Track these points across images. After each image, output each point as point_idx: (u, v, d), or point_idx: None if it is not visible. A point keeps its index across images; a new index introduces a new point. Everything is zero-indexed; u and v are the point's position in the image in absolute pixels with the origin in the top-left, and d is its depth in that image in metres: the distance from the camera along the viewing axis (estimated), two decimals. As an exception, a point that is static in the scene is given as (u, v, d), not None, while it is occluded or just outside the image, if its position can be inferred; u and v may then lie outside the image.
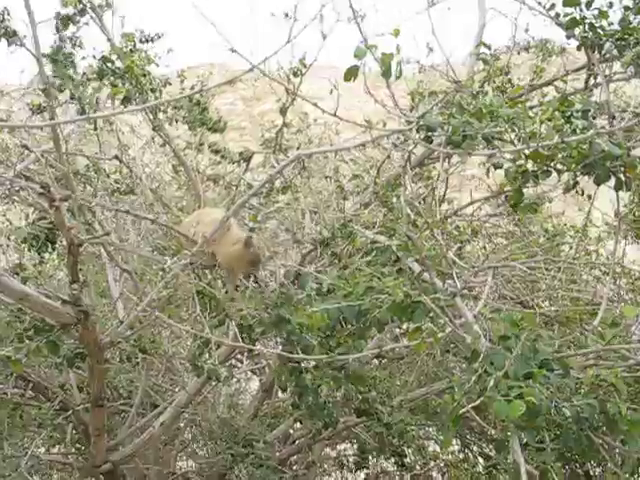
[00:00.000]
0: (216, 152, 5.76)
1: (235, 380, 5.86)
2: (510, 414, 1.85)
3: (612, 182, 2.76)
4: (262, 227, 4.02)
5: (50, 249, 4.88)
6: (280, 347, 3.94)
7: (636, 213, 5.84)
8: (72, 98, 3.32)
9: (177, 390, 5.04)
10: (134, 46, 3.84)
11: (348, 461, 6.25)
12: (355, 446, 6.33)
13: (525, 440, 2.18)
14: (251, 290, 3.49)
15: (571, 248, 5.17)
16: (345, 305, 2.26)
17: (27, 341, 2.90)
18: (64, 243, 4.65)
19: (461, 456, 6.78)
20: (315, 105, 2.26)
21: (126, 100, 3.42)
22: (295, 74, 3.55)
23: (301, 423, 4.66)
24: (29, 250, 4.93)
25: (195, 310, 3.09)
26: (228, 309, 3.35)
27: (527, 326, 2.10)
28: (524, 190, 4.76)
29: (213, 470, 4.98)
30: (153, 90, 3.56)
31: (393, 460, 5.70)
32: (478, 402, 1.95)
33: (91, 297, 5.19)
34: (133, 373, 4.84)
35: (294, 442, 5.46)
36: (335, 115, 2.23)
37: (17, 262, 3.42)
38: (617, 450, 2.55)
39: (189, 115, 5.36)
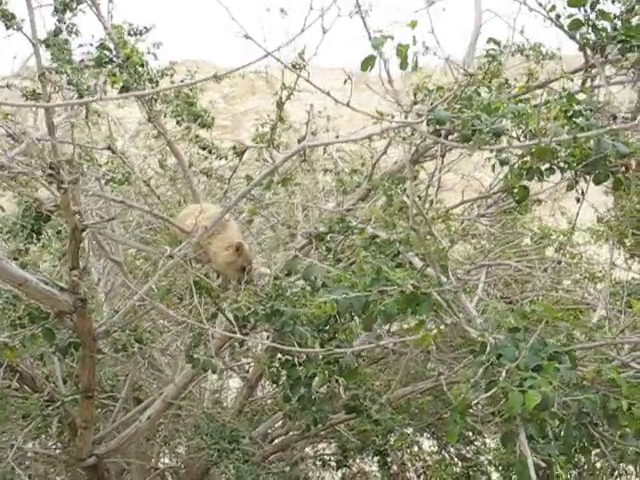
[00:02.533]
0: (203, 148, 5.71)
1: (217, 377, 5.81)
2: (526, 405, 1.85)
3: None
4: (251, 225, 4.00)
5: (35, 240, 4.81)
6: (269, 340, 3.93)
7: (619, 218, 5.91)
8: (69, 84, 3.26)
9: (160, 385, 4.99)
10: (121, 39, 3.79)
11: (330, 459, 6.22)
12: (333, 444, 6.32)
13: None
14: (244, 283, 3.47)
15: (556, 251, 5.21)
16: (353, 296, 2.24)
17: (21, 329, 2.86)
18: (49, 234, 4.60)
19: (438, 457, 6.77)
20: (328, 94, 2.25)
21: (124, 89, 3.37)
22: (295, 67, 3.53)
23: (290, 419, 4.62)
24: (14, 240, 4.85)
25: (191, 301, 3.07)
26: (221, 301, 3.33)
27: (537, 319, 2.10)
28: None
29: (196, 466, 4.95)
30: (151, 80, 3.52)
31: (376, 459, 5.69)
32: (490, 393, 1.94)
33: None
34: (117, 366, 4.78)
35: (272, 440, 5.43)
36: (348, 105, 2.22)
37: (17, 247, 3.36)
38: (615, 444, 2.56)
39: (179, 108, 5.31)
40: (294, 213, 3.70)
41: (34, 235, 4.80)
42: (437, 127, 2.38)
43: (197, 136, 4.87)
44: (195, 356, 3.02)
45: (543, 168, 2.51)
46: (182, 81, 5.52)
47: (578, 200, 4.60)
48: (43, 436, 4.42)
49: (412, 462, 6.99)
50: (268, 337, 3.60)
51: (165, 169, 5.91)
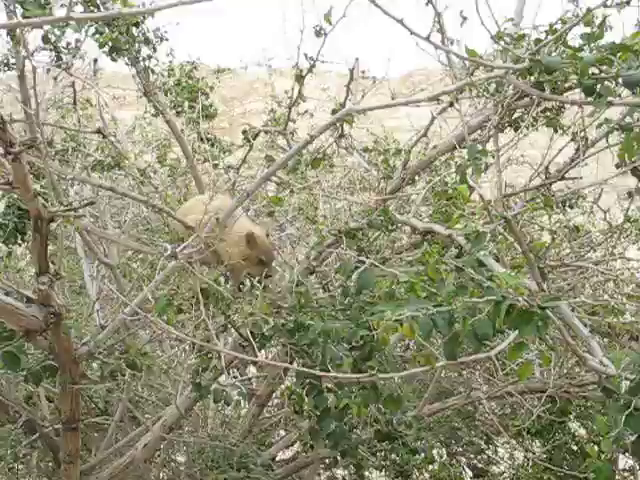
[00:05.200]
0: (206, 140, 5.04)
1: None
2: None
3: None
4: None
5: (20, 240, 4.13)
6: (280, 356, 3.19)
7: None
8: (45, 42, 2.50)
9: (159, 400, 4.23)
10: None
11: (344, 479, 5.46)
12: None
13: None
14: (260, 290, 2.72)
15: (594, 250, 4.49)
16: (435, 311, 1.47)
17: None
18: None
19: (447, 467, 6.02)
20: (400, 22, 1.49)
21: (114, 50, 2.61)
22: (318, 33, 2.77)
23: (312, 448, 3.85)
24: (-6, 241, 4.12)
25: (196, 313, 2.31)
26: (232, 312, 2.56)
27: None
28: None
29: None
30: (147, 42, 2.76)
31: (398, 480, 4.93)
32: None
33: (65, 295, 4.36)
34: (111, 382, 4.00)
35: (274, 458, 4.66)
36: (428, 39, 1.46)
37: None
38: None
39: (179, 98, 4.62)
40: (318, 206, 2.93)
41: (17, 235, 4.08)
42: (540, 79, 1.61)
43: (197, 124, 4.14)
44: (202, 383, 2.24)
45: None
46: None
47: (630, 194, 3.84)
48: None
49: (420, 471, 6.24)
50: (287, 354, 2.84)
51: (164, 164, 5.17)
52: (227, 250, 2.61)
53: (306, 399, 2.62)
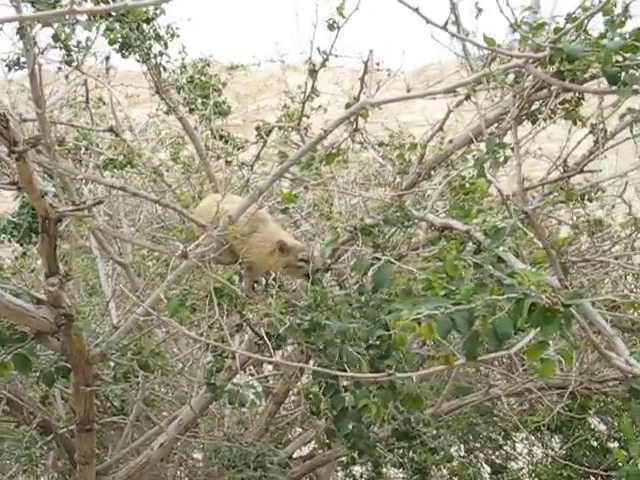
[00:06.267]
0: (220, 138, 4.99)
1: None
2: None
3: None
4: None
5: (35, 239, 4.09)
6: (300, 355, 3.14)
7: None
8: (55, 40, 2.46)
9: (175, 398, 4.19)
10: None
11: (362, 476, 5.41)
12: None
13: None
14: (275, 289, 2.67)
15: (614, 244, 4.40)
16: (455, 310, 1.41)
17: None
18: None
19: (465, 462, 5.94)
20: (416, 11, 1.44)
21: (125, 47, 2.56)
22: (331, 27, 2.71)
23: (329, 447, 3.81)
24: (9, 241, 4.10)
25: (211, 312, 2.26)
26: (247, 311, 2.52)
27: None
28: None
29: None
30: (158, 37, 2.71)
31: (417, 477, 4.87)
32: None
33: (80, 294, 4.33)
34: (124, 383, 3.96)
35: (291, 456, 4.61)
36: (444, 28, 1.40)
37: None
38: None
39: (191, 95, 4.55)
40: (333, 202, 2.88)
41: (32, 234, 4.05)
42: (561, 67, 1.55)
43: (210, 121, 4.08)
44: (217, 384, 2.19)
45: None
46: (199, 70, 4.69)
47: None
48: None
49: (439, 468, 6.16)
50: (303, 352, 2.79)
51: (177, 162, 5.13)
52: (257, 257, 2.61)
53: (323, 399, 2.57)
